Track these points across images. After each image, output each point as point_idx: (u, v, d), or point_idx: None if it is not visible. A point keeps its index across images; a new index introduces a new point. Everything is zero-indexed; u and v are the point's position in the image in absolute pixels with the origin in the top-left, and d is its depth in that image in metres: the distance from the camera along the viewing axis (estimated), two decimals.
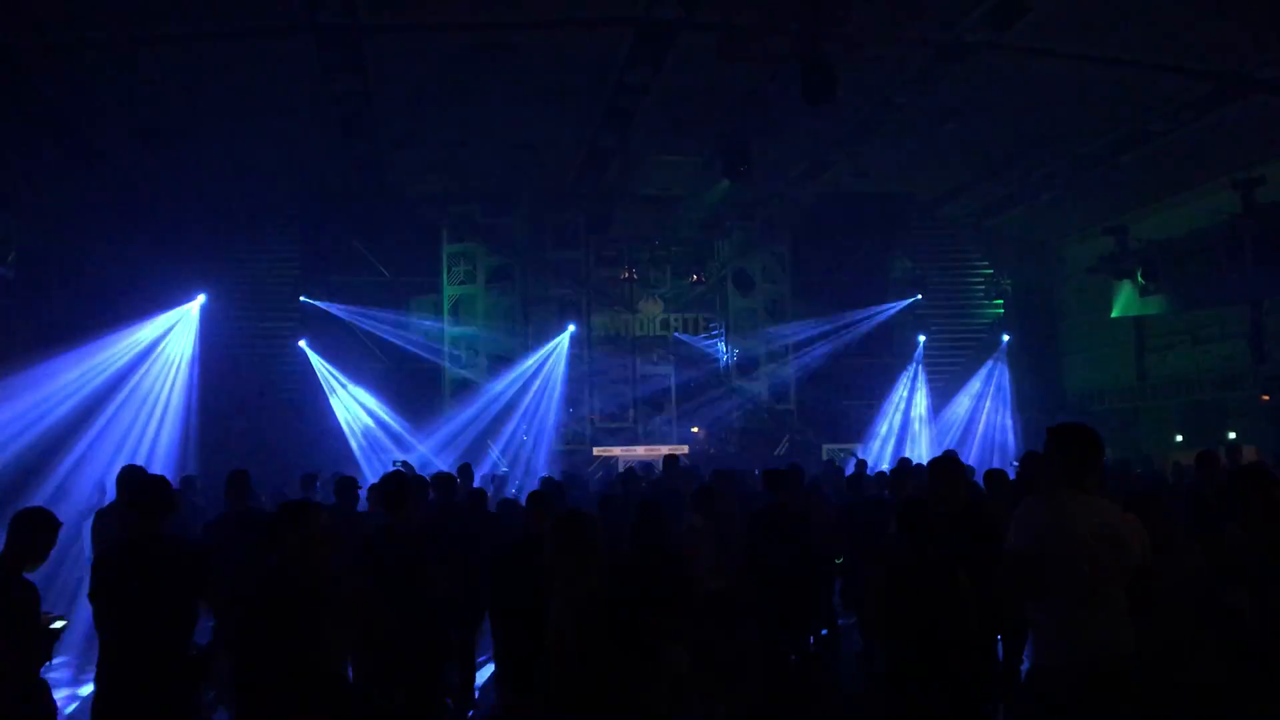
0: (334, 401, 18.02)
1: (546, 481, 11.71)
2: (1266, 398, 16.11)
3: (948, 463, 6.46)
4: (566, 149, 16.17)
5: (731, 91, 13.54)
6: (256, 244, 18.78)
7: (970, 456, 18.27)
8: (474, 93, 13.50)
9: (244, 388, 17.60)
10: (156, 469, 9.62)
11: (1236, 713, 4.14)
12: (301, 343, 18.35)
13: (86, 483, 11.79)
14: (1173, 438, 18.21)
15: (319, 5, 10.80)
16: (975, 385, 20.74)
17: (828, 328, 20.22)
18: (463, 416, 18.81)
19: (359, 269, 19.29)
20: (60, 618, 5.14)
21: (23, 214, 14.05)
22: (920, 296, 20.53)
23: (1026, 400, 20.58)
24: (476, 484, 11.37)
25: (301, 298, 18.81)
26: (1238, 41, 11.93)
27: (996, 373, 20.79)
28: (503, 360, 19.33)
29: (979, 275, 21.63)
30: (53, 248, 15.01)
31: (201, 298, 16.30)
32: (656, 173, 17.85)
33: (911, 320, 20.87)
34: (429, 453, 17.36)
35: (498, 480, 14.17)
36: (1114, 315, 18.80)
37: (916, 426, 20.12)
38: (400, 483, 6.54)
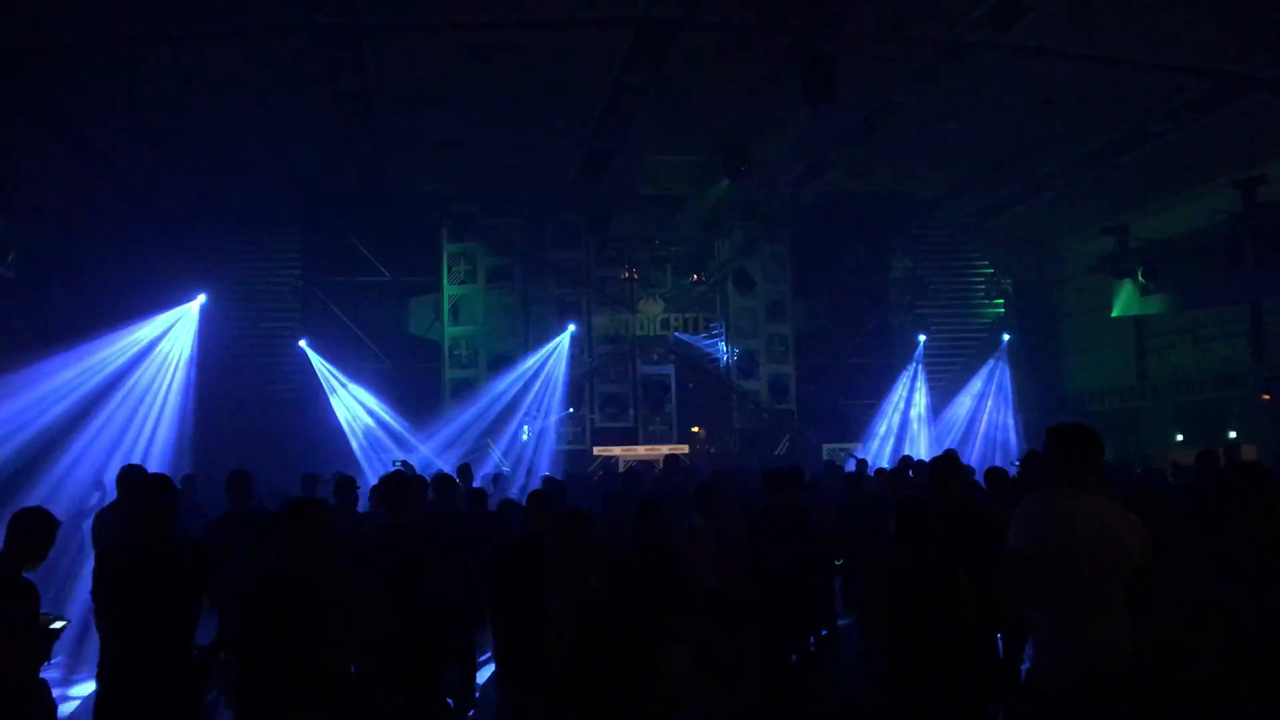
0: (334, 401, 18.02)
1: (547, 481, 11.71)
2: (1267, 397, 16.13)
3: (947, 462, 6.46)
4: (566, 149, 16.17)
5: (731, 91, 13.54)
6: (256, 244, 18.81)
7: (972, 456, 18.30)
8: (474, 93, 13.51)
9: (244, 387, 17.61)
10: (154, 469, 9.60)
11: (1236, 713, 4.13)
12: (302, 342, 18.35)
13: (80, 481, 11.80)
14: (1173, 437, 18.22)
15: (319, 5, 10.80)
16: (976, 385, 20.75)
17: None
18: (463, 417, 18.83)
19: (359, 269, 19.29)
20: (60, 618, 5.15)
21: (23, 214, 14.05)
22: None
23: (1027, 400, 20.58)
24: (477, 484, 11.37)
25: (301, 297, 18.84)
26: (1238, 41, 11.94)
27: (998, 372, 20.80)
28: (503, 360, 19.33)
29: (979, 275, 21.65)
30: (53, 248, 15.02)
31: (201, 297, 16.29)
32: (656, 173, 17.86)
33: (912, 320, 20.88)
34: (429, 453, 17.36)
35: (498, 480, 14.17)
36: (1114, 315, 18.82)
37: (915, 426, 20.13)
38: (401, 483, 6.54)
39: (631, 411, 19.80)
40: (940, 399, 20.75)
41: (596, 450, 19.10)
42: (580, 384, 19.57)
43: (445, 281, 19.50)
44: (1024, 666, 4.91)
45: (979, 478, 8.71)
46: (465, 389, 19.16)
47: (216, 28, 11.37)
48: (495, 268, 19.60)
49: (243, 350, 17.99)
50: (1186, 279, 16.98)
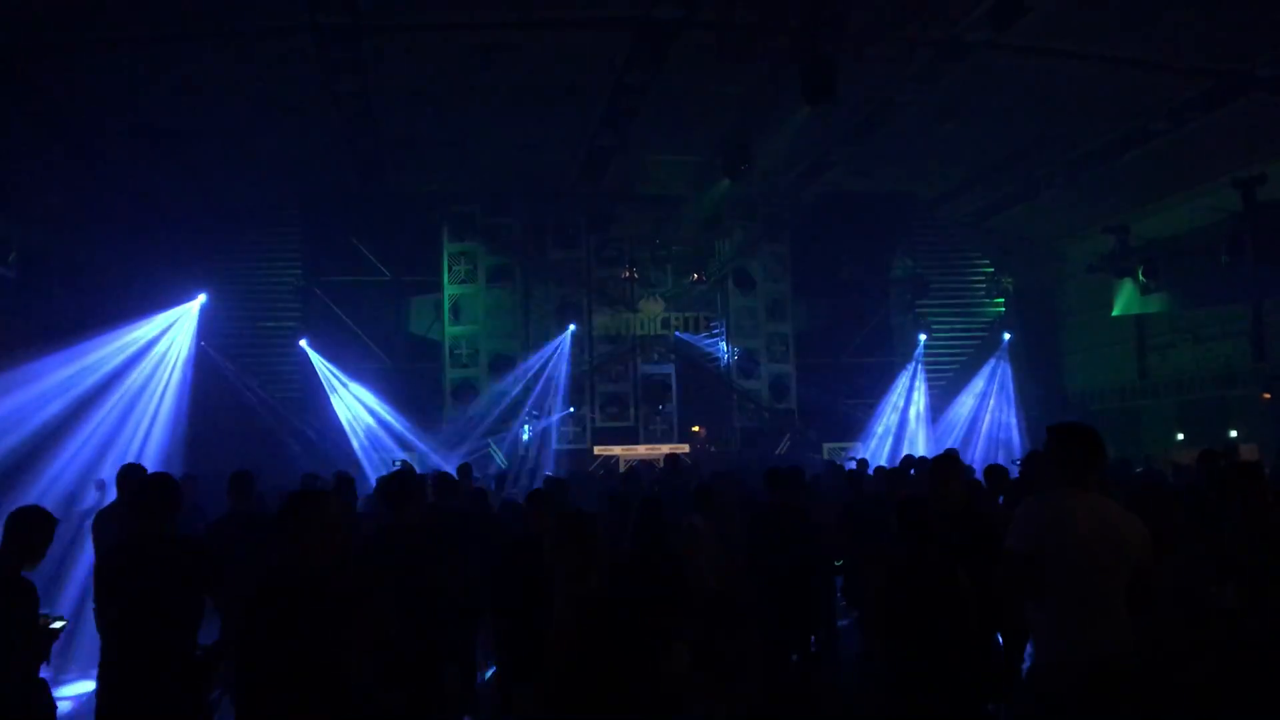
0: (335, 400, 18.03)
1: (548, 480, 11.71)
2: (1268, 396, 16.12)
3: (947, 461, 6.46)
4: (567, 149, 16.17)
5: (731, 92, 13.54)
6: (256, 244, 18.81)
7: (974, 455, 18.30)
8: (474, 93, 13.51)
9: (244, 387, 17.60)
10: (149, 468, 9.59)
11: (1236, 713, 4.13)
12: (302, 342, 18.36)
13: (70, 480, 11.79)
14: (1174, 436, 18.21)
15: (319, 5, 10.80)
16: (978, 384, 20.74)
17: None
18: (464, 416, 18.84)
19: (359, 268, 19.30)
20: (60, 618, 5.14)
21: (23, 214, 14.04)
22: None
23: (1027, 399, 20.58)
24: (478, 483, 11.37)
25: (302, 297, 18.85)
26: (1238, 40, 11.93)
27: (1000, 371, 20.80)
28: (503, 360, 19.35)
29: (980, 274, 21.65)
30: (53, 248, 15.02)
31: (202, 297, 16.30)
32: (656, 172, 17.87)
33: (912, 319, 20.89)
34: (430, 452, 17.37)
35: (499, 480, 14.17)
36: (1115, 314, 18.81)
37: (914, 425, 20.12)
38: (403, 482, 6.54)
39: (632, 411, 19.81)
40: (941, 398, 20.75)
41: (597, 450, 19.11)
42: (581, 383, 19.58)
43: (446, 281, 19.51)
44: (1024, 666, 4.91)
45: (979, 476, 8.70)
46: (466, 389, 19.18)
47: (217, 28, 11.37)
48: (496, 267, 19.61)
49: (243, 350, 17.99)
50: (1187, 278, 16.98)
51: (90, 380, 13.90)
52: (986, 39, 11.86)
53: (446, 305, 19.48)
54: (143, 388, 15.02)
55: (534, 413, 18.97)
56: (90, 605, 4.71)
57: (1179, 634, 4.33)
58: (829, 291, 20.99)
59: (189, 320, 16.17)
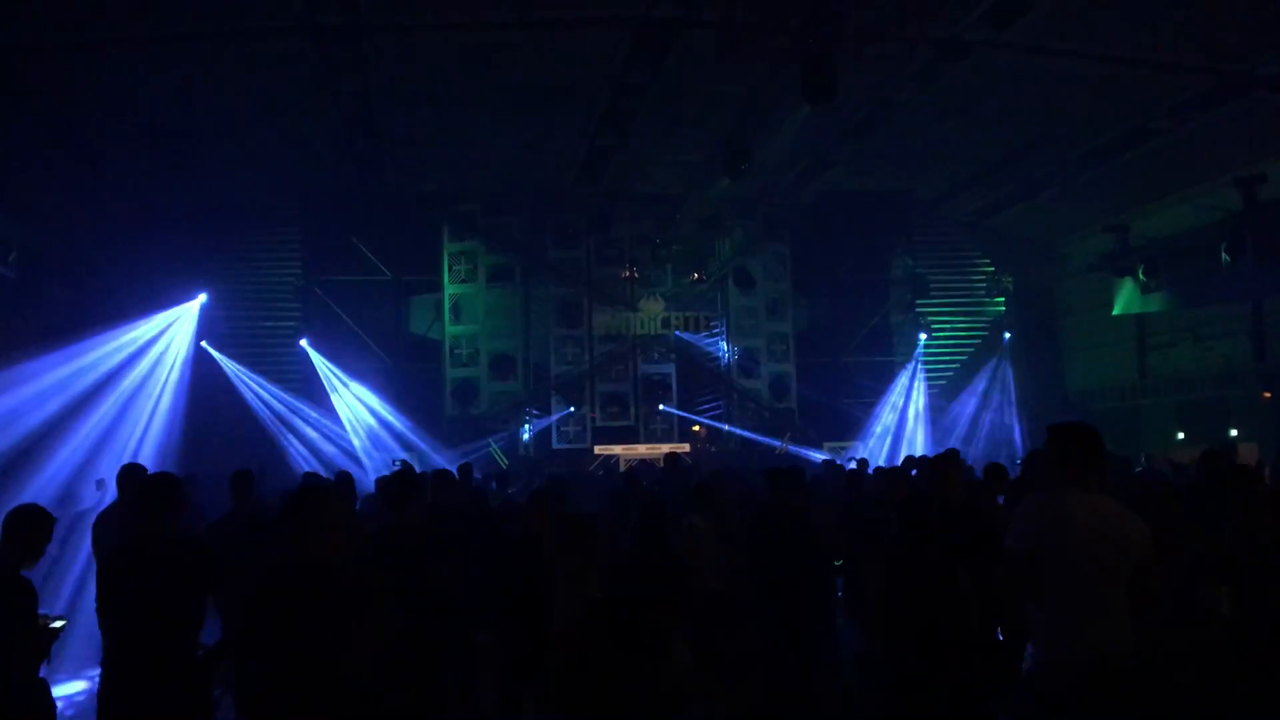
0: (335, 400, 18.03)
1: (549, 479, 11.70)
2: (1268, 395, 16.11)
3: (948, 460, 6.45)
4: (567, 148, 16.17)
5: (731, 91, 13.53)
6: (256, 243, 18.81)
7: (975, 454, 18.28)
8: (474, 93, 13.50)
9: (245, 386, 17.60)
10: (148, 467, 9.59)
11: (1236, 713, 4.13)
12: (303, 342, 18.36)
13: (66, 478, 11.78)
14: (1174, 436, 18.21)
15: (319, 5, 10.80)
16: (980, 383, 20.73)
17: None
18: (464, 415, 18.84)
19: (360, 268, 19.31)
20: (60, 618, 5.14)
21: (23, 214, 14.06)
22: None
23: (1027, 399, 20.57)
24: (478, 483, 11.36)
25: (302, 296, 18.86)
26: (1238, 39, 11.92)
27: (1001, 371, 20.79)
28: (503, 359, 19.36)
29: (980, 273, 21.63)
30: (53, 247, 15.03)
31: (202, 297, 16.31)
32: (656, 172, 17.85)
33: (912, 319, 20.88)
34: (430, 451, 17.37)
35: (499, 479, 14.17)
36: (1115, 313, 18.80)
37: (912, 425, 20.11)
38: (404, 482, 6.54)
39: (632, 410, 19.82)
40: (943, 397, 20.74)
41: (597, 449, 19.13)
42: (581, 383, 19.59)
43: (446, 280, 19.52)
44: (1024, 666, 4.91)
45: (979, 476, 8.69)
46: (466, 388, 19.18)
47: (217, 28, 11.37)
48: (496, 267, 19.63)
49: (243, 350, 18.00)
50: (1187, 277, 16.97)
51: (89, 379, 13.91)
52: (986, 38, 11.85)
53: (447, 305, 19.49)
54: (141, 387, 15.02)
55: (533, 412, 18.99)
56: (82, 604, 4.71)
57: (1178, 634, 4.32)
58: (829, 291, 21.00)
59: (189, 320, 16.18)
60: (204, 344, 16.58)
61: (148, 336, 15.42)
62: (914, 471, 10.56)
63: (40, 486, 11.33)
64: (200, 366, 16.33)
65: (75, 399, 13.46)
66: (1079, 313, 21.05)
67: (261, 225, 18.73)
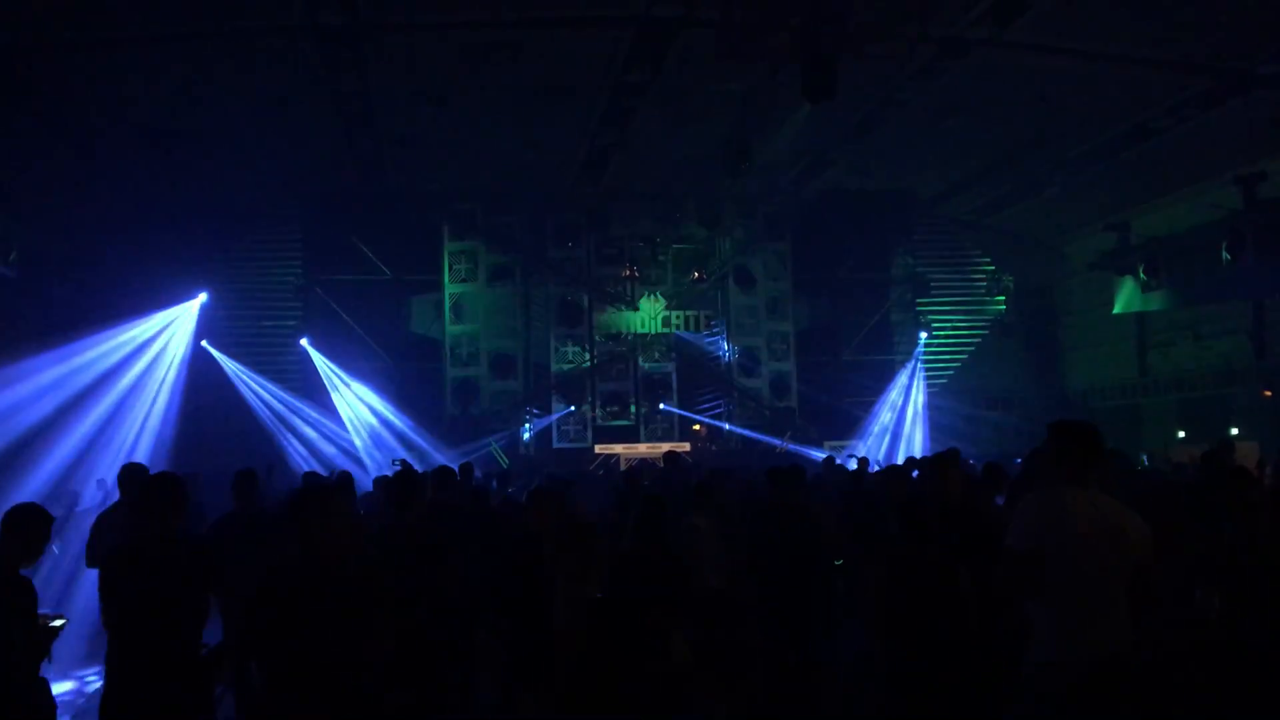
0: (336, 399, 18.04)
1: (550, 479, 11.70)
2: (1269, 393, 16.11)
3: (947, 459, 6.45)
4: (567, 148, 16.17)
5: (731, 91, 13.53)
6: (258, 243, 18.83)
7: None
8: (474, 93, 13.50)
9: (245, 385, 17.61)
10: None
11: (1236, 713, 4.13)
12: (303, 341, 18.37)
13: (63, 477, 11.78)
14: (1174, 434, 18.21)
15: (319, 5, 10.80)
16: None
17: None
18: (465, 415, 18.83)
19: (360, 267, 19.31)
20: (60, 616, 5.14)
21: (23, 214, 14.06)
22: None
23: (1028, 398, 20.58)
24: (478, 483, 11.35)
25: (303, 296, 18.87)
26: (1238, 38, 11.92)
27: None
28: (504, 358, 19.36)
29: (980, 272, 21.63)
30: (53, 247, 15.03)
31: (203, 296, 16.31)
32: (657, 171, 17.85)
33: (913, 317, 20.89)
34: (431, 450, 17.37)
35: (500, 478, 14.17)
36: (1116, 311, 18.79)
37: (911, 423, 20.10)
38: (405, 481, 6.54)
39: (633, 409, 19.83)
40: (943, 397, 20.73)
41: (598, 448, 19.13)
42: (581, 382, 19.60)
43: (446, 280, 19.53)
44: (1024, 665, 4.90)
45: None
46: (466, 387, 19.19)
47: (217, 28, 11.37)
48: (496, 266, 19.63)
49: (244, 349, 18.00)
50: (1188, 275, 16.95)
51: (88, 377, 13.90)
52: (987, 36, 11.85)
53: (447, 304, 19.50)
54: (141, 386, 15.01)
55: (534, 411, 18.99)
56: (76, 604, 4.70)
57: (1177, 634, 4.32)
58: (829, 289, 21.01)
59: (188, 319, 16.17)
60: (204, 343, 16.57)
61: (147, 335, 15.42)
62: (915, 473, 10.56)
63: (40, 485, 11.32)
64: (200, 366, 16.32)
65: (74, 397, 13.45)
66: (1079, 311, 21.06)
67: (261, 225, 18.76)
